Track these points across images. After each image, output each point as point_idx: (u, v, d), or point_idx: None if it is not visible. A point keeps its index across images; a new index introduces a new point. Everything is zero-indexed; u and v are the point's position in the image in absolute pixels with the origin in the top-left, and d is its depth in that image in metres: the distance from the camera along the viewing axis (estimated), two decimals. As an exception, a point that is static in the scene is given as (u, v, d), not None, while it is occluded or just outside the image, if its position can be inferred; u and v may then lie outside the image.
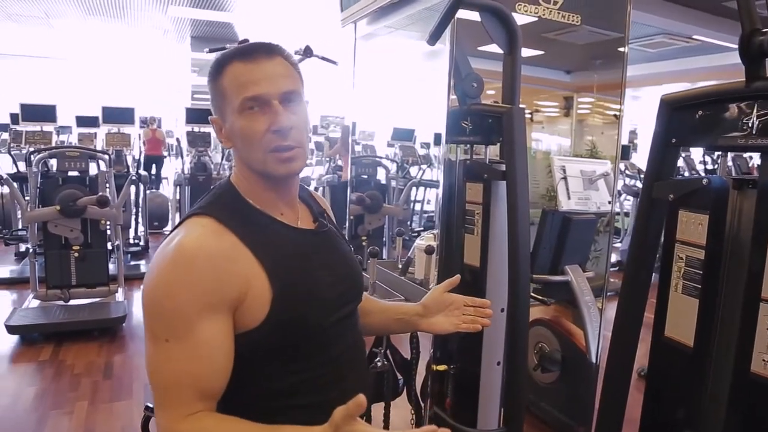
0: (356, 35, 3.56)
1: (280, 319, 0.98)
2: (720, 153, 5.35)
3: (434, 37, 1.66)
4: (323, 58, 3.64)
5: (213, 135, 10.14)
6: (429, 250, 4.20)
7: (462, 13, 2.12)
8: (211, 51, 3.64)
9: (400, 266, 5.13)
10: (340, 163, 7.18)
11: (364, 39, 3.45)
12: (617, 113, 3.03)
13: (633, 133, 9.41)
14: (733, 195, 1.30)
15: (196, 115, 6.97)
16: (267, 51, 1.03)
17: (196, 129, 6.88)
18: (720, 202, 1.29)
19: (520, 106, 2.06)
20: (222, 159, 7.39)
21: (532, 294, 2.81)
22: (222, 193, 1.08)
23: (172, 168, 9.30)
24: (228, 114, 1.03)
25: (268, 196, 1.09)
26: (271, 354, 0.99)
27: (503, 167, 2.02)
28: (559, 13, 2.75)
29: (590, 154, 3.65)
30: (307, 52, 3.56)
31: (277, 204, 1.10)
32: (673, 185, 1.39)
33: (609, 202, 2.76)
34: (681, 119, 1.39)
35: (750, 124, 1.21)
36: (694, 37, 7.69)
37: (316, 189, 7.06)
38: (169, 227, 6.66)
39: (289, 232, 1.09)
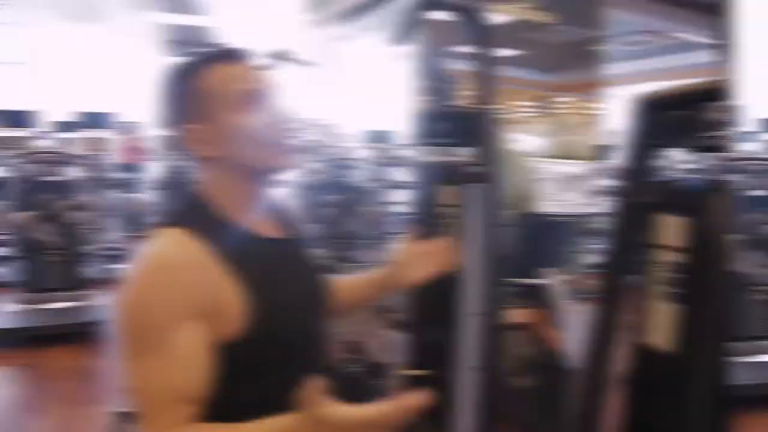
0: (329, 36, 3.52)
1: (256, 332, 0.98)
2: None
3: (398, 39, 1.61)
4: (300, 61, 3.60)
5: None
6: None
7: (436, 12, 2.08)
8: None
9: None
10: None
11: (339, 39, 3.41)
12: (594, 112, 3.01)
13: (611, 133, 9.49)
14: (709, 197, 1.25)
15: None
16: (244, 55, 1.06)
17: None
18: (698, 204, 1.24)
19: (496, 106, 2.03)
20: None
21: (510, 298, 2.78)
22: (192, 202, 1.07)
23: (152, 172, 9.22)
24: (217, 114, 1.02)
25: (245, 202, 1.08)
26: (253, 367, 1.01)
27: (477, 169, 1.98)
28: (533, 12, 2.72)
29: (566, 156, 3.65)
30: (283, 56, 3.51)
31: (252, 211, 1.09)
32: (651, 187, 1.35)
33: (583, 204, 2.74)
34: (660, 119, 1.35)
35: None
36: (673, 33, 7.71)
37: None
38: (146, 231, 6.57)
39: (262, 242, 1.10)
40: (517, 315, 2.90)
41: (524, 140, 3.77)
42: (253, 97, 1.03)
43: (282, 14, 7.44)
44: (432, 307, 2.27)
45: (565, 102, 3.98)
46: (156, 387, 0.92)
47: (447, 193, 2.14)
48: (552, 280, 2.70)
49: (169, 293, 0.93)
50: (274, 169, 1.07)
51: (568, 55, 3.47)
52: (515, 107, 3.79)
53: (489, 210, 1.93)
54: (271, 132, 1.03)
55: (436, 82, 2.15)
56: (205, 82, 1.02)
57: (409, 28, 1.58)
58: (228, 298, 0.97)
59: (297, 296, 1.10)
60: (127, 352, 0.94)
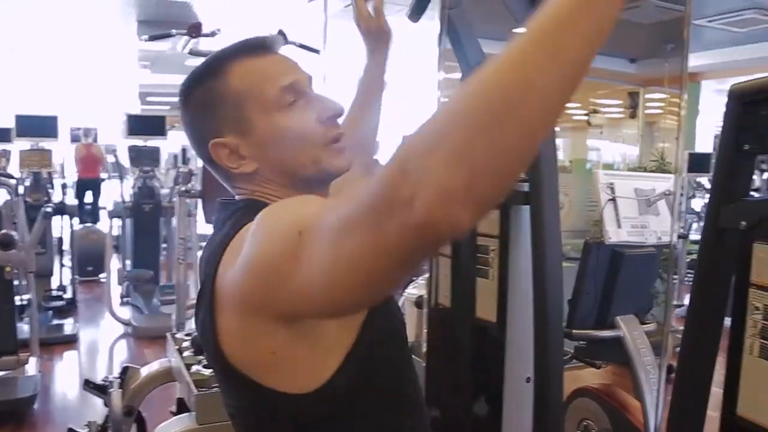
0: (327, 13, 3.59)
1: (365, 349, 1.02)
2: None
3: (416, 13, 1.65)
4: (302, 46, 3.66)
5: (167, 151, 10.21)
6: (420, 303, 4.14)
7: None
8: (151, 39, 3.68)
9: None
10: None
11: (342, 17, 3.47)
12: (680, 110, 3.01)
13: (718, 138, 9.40)
14: None
15: (142, 124, 6.98)
16: (273, 44, 1.11)
17: (141, 143, 6.89)
18: None
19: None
20: (175, 182, 7.39)
21: (574, 355, 2.75)
22: (254, 207, 1.05)
23: (113, 193, 9.34)
24: (257, 118, 1.07)
25: None
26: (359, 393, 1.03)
27: (525, 187, 2.00)
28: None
29: (658, 167, 3.62)
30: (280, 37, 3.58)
31: None
32: (746, 209, 1.35)
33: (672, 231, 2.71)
34: (756, 118, 1.36)
35: None
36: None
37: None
38: (105, 274, 6.61)
39: None
40: (583, 379, 2.87)
41: (605, 150, 3.77)
42: (295, 90, 1.07)
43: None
44: (469, 374, 2.28)
45: (656, 100, 3.97)
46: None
47: (485, 219, 2.16)
48: (630, 330, 2.68)
49: None
50: (333, 173, 1.11)
51: (658, 39, 3.46)
52: (594, 108, 3.80)
53: (542, 240, 1.94)
54: (323, 129, 1.08)
55: (474, 70, 2.18)
56: (233, 80, 1.07)
57: None
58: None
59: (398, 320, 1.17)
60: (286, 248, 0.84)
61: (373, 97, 1.58)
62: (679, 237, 4.77)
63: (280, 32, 3.73)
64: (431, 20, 1.95)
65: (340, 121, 1.10)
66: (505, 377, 1.96)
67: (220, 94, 1.07)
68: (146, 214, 6.61)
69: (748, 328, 1.32)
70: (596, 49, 0.64)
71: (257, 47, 1.09)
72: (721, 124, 1.43)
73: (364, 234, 0.69)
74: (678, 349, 2.68)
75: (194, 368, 2.06)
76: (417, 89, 2.54)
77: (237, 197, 1.12)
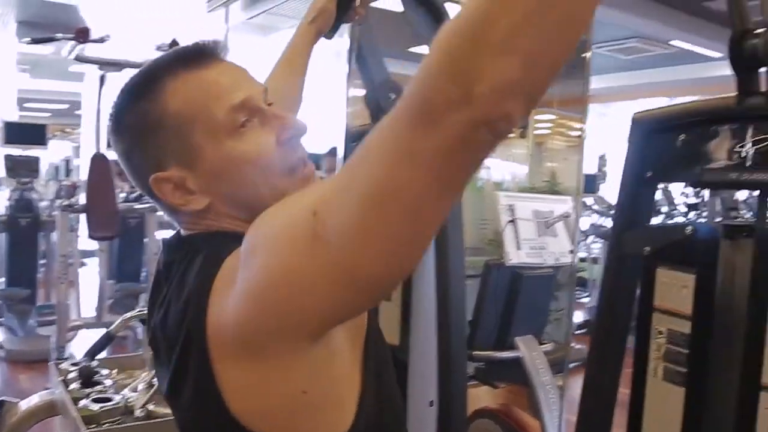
0: (228, 24, 3.53)
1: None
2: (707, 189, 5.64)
3: (333, 29, 1.62)
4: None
5: (48, 161, 9.81)
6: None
7: (381, 2, 2.13)
8: (35, 42, 3.50)
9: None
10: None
11: (245, 30, 3.42)
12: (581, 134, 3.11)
13: (602, 160, 9.83)
14: (726, 247, 1.30)
15: (20, 132, 6.69)
16: (216, 51, 0.95)
17: (19, 152, 6.59)
18: (709, 257, 1.29)
19: None
20: (57, 195, 7.12)
21: (473, 376, 2.78)
22: (220, 239, 0.93)
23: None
24: (204, 146, 0.91)
25: None
26: None
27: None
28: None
29: (549, 188, 3.74)
30: (174, 47, 3.49)
31: None
32: (649, 235, 1.39)
33: (570, 252, 2.79)
34: (658, 146, 1.40)
35: (744, 153, 1.22)
36: (672, 42, 8.16)
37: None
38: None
39: None
40: (480, 399, 2.90)
41: (495, 169, 3.85)
42: (248, 108, 0.91)
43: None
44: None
45: (546, 121, 4.10)
46: None
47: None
48: (529, 351, 2.72)
49: None
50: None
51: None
52: None
53: (445, 263, 1.95)
54: (283, 153, 0.93)
55: (377, 90, 2.17)
56: (172, 104, 0.91)
57: (337, 16, 1.60)
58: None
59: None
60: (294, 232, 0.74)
61: (298, 65, 1.50)
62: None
63: (174, 42, 3.64)
64: (341, 37, 1.93)
65: (299, 136, 0.95)
66: (408, 401, 1.94)
67: (158, 119, 0.91)
68: (23, 229, 6.28)
69: (652, 352, 1.36)
70: None
71: (197, 56, 0.93)
72: (625, 151, 1.46)
73: (408, 158, 0.62)
74: (573, 364, 2.77)
75: (82, 403, 1.83)
76: (323, 106, 2.51)
77: (186, 232, 0.97)
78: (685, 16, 6.81)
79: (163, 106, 0.90)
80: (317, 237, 0.68)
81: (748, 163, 1.22)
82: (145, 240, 5.51)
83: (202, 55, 0.93)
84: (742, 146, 1.23)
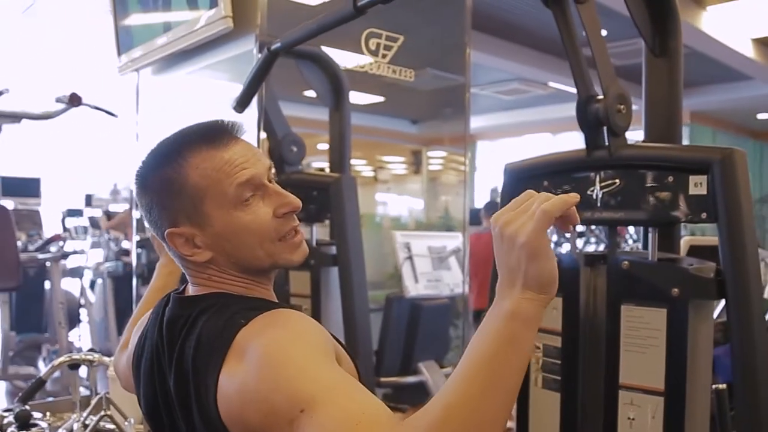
0: (139, 83, 3.61)
1: None
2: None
3: (242, 104, 1.74)
4: (97, 108, 3.60)
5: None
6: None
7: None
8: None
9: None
10: (125, 244, 6.84)
11: (155, 82, 3.50)
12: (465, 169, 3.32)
13: (494, 192, 10.12)
14: (586, 273, 1.52)
15: None
16: (233, 130, 1.11)
17: None
18: (573, 282, 1.50)
19: (353, 168, 2.19)
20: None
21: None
22: (229, 300, 1.10)
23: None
24: (214, 213, 1.07)
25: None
26: None
27: (333, 250, 2.15)
28: (389, 67, 3.00)
29: (443, 222, 3.90)
30: (74, 101, 3.49)
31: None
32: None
33: (463, 282, 2.96)
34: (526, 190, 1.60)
35: (594, 196, 1.46)
36: (550, 84, 8.68)
37: (93, 281, 6.74)
38: None
39: None
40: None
41: (393, 205, 3.99)
42: (253, 185, 1.07)
43: (79, 50, 7.30)
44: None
45: (437, 157, 4.28)
46: (356, 388, 0.91)
47: (297, 280, 2.29)
48: (432, 374, 2.84)
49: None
50: (287, 266, 1.13)
51: (438, 104, 3.79)
52: (380, 164, 3.98)
53: (350, 298, 2.08)
54: (278, 224, 1.09)
55: (281, 144, 2.29)
56: (191, 176, 1.06)
57: (249, 90, 1.72)
58: None
59: None
60: (298, 389, 0.90)
61: None
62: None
63: (74, 95, 3.66)
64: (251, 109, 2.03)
65: (291, 211, 1.10)
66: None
67: (178, 186, 1.06)
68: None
69: (532, 364, 1.55)
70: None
71: (218, 134, 1.09)
72: (500, 195, 1.67)
73: None
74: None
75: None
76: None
77: (194, 286, 1.12)
78: (559, 60, 7.27)
79: (184, 176, 1.06)
80: (290, 422, 0.87)
81: (598, 204, 1.45)
82: (47, 289, 5.36)
83: (222, 133, 1.09)
84: (592, 190, 1.46)
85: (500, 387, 0.82)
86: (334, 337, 1.11)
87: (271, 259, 1.10)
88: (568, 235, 1.30)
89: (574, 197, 0.87)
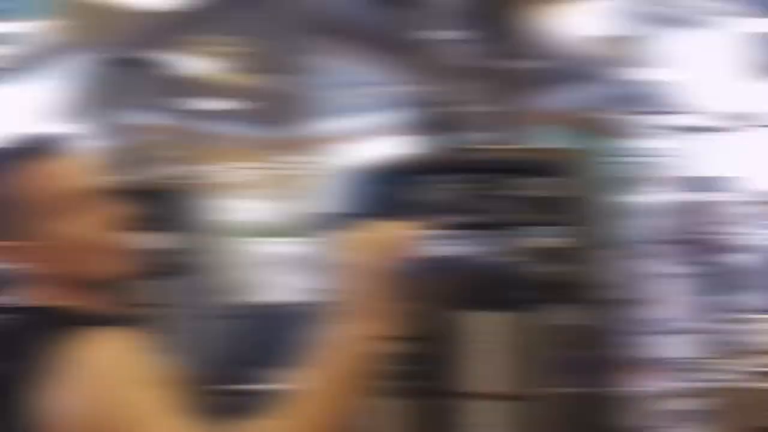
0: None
1: None
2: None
3: (79, 114, 1.66)
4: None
5: None
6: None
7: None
8: None
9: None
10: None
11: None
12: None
13: (348, 196, 10.21)
14: (428, 279, 1.55)
15: None
16: (50, 145, 1.06)
17: None
18: (416, 288, 1.52)
19: (203, 174, 2.14)
20: None
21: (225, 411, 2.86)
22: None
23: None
24: (35, 225, 1.01)
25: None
26: None
27: (180, 257, 2.11)
28: (236, 73, 2.94)
29: (291, 228, 3.87)
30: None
31: None
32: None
33: (309, 288, 2.93)
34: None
35: (438, 199, 1.47)
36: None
37: None
38: None
39: None
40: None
41: (241, 210, 3.93)
42: (76, 194, 1.04)
43: None
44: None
45: (287, 162, 4.24)
46: None
47: (144, 289, 2.19)
48: (278, 383, 2.81)
49: None
50: (113, 280, 1.08)
51: (285, 108, 3.76)
52: (228, 170, 3.90)
53: (196, 306, 2.09)
54: (102, 235, 1.04)
55: (123, 151, 2.21)
56: (7, 188, 1.03)
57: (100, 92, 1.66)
58: None
59: None
60: None
61: None
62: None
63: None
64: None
65: (119, 228, 1.05)
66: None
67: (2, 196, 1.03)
68: None
69: (375, 372, 1.57)
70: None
71: (33, 148, 1.05)
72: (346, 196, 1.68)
73: None
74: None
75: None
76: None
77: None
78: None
79: (6, 187, 1.01)
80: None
81: (441, 207, 1.47)
82: None
83: (35, 148, 1.04)
84: (435, 193, 1.48)
85: (336, 406, 0.85)
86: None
87: (96, 273, 1.04)
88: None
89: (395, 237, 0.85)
